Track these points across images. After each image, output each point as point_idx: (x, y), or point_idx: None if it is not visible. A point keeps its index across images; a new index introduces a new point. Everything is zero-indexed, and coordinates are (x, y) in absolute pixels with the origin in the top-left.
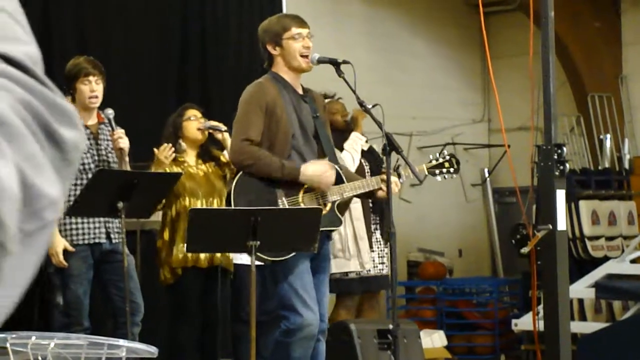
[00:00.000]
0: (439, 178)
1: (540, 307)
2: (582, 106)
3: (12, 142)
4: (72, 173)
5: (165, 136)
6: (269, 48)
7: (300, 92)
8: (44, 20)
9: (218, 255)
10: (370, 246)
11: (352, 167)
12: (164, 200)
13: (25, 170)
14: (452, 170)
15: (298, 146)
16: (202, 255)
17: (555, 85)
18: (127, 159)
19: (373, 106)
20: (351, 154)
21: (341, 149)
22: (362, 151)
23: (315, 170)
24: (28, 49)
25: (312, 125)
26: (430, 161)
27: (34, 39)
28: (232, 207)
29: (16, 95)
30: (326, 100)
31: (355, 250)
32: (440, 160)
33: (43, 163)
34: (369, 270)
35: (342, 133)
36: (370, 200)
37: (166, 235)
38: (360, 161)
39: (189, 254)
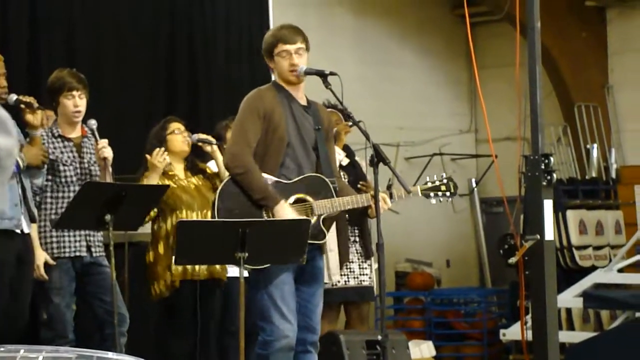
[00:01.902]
0: (433, 201)
1: (529, 317)
2: (568, 116)
3: None
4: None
5: (148, 150)
6: (267, 60)
7: (304, 103)
8: (33, 31)
9: (217, 267)
10: (347, 259)
11: None
12: (152, 214)
13: None
14: (447, 194)
15: (295, 155)
16: (203, 267)
17: (542, 95)
18: (110, 169)
19: (358, 122)
20: None
21: None
22: (342, 165)
23: (288, 216)
24: None
25: (313, 137)
26: (426, 183)
27: None
28: (220, 219)
29: None
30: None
31: (325, 261)
32: (437, 182)
33: None
34: (348, 282)
35: None
36: (347, 215)
37: (161, 248)
38: (340, 174)
39: (189, 267)
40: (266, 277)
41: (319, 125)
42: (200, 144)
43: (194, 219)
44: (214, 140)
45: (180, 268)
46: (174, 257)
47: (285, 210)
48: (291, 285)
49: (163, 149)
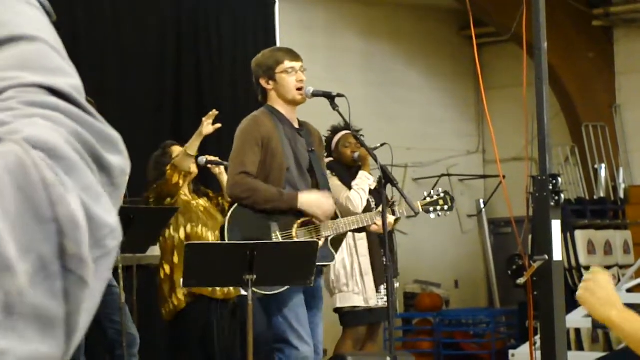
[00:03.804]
0: (432, 215)
1: (538, 337)
2: (576, 136)
3: (71, 175)
4: (120, 196)
5: (153, 175)
6: (262, 82)
7: (296, 125)
8: None
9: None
10: (382, 280)
11: (360, 207)
12: (166, 230)
13: (87, 202)
14: (446, 207)
15: (293, 180)
16: None
17: (550, 116)
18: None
19: (381, 145)
20: (359, 193)
21: (349, 186)
22: (370, 189)
23: (313, 198)
24: (71, 81)
25: (307, 159)
26: (425, 198)
27: (73, 67)
28: (228, 242)
29: (68, 127)
30: (343, 133)
31: (362, 285)
32: (435, 197)
33: (100, 192)
34: (377, 304)
35: (349, 168)
36: (377, 235)
37: (176, 258)
38: (367, 199)
39: None
40: (279, 302)
41: (312, 147)
42: (209, 165)
43: (209, 236)
44: (224, 162)
45: None
46: (181, 279)
47: (308, 198)
48: (304, 307)
49: (215, 110)
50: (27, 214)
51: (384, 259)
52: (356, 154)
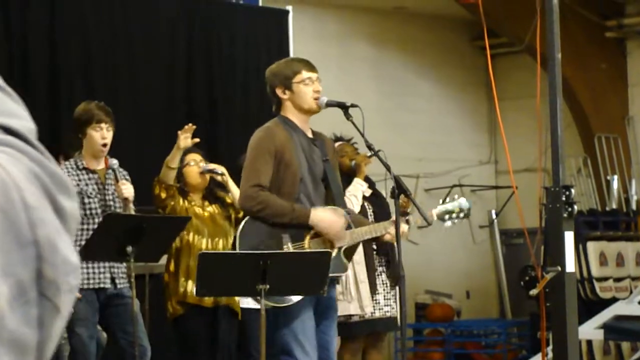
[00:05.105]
0: (448, 223)
1: (549, 349)
2: (589, 147)
3: None
4: (71, 241)
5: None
6: (278, 92)
7: (310, 135)
8: (52, 67)
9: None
10: (375, 289)
11: None
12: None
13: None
14: (461, 215)
15: (306, 190)
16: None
17: (562, 127)
18: (131, 205)
19: (377, 151)
20: (350, 200)
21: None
22: (366, 196)
23: (325, 216)
24: (25, 123)
25: (322, 169)
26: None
27: (27, 112)
28: (241, 251)
29: (26, 165)
30: (338, 143)
31: (356, 293)
32: (449, 204)
33: (61, 229)
34: (374, 313)
35: (347, 176)
36: (374, 243)
37: (172, 267)
38: (364, 205)
39: (189, 291)
40: (288, 313)
41: (326, 157)
42: (209, 174)
43: (202, 245)
44: (220, 170)
45: (182, 289)
46: (194, 289)
47: (321, 216)
48: (312, 319)
49: (191, 125)
50: (8, 235)
51: (384, 268)
52: (353, 162)
